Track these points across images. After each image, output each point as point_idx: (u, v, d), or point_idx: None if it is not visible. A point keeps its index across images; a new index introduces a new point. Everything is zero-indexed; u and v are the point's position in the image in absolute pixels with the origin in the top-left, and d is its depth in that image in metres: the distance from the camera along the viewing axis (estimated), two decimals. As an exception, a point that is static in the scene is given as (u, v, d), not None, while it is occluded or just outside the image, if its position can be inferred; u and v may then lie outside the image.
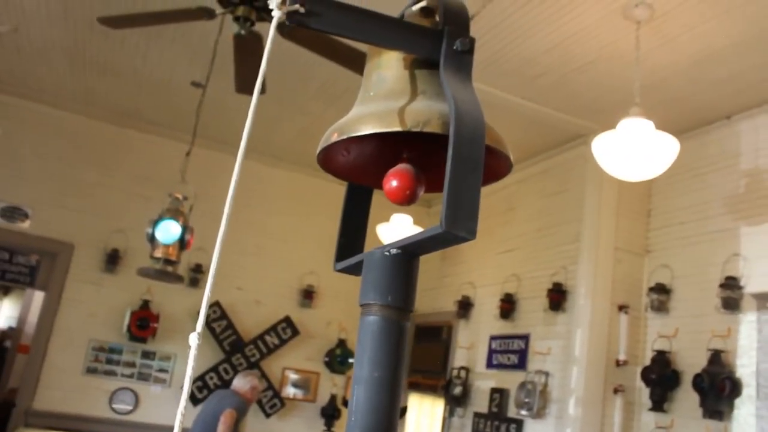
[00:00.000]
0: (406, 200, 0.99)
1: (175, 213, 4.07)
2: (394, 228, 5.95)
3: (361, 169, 1.11)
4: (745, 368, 4.35)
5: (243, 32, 3.18)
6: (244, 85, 3.81)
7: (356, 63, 3.30)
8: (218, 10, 3.30)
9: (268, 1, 0.91)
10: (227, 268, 6.94)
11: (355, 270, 1.08)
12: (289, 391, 7.14)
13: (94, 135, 6.75)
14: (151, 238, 3.97)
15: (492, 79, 4.86)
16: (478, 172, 0.85)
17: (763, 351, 4.30)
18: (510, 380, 5.75)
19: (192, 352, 0.86)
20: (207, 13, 3.37)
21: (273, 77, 5.15)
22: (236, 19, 3.17)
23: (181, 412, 0.88)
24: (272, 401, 6.95)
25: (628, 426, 4.97)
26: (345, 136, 0.96)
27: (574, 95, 5.00)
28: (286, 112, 6.17)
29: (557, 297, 5.38)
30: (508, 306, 6.00)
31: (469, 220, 0.83)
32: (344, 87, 5.35)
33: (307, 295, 7.26)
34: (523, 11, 4.10)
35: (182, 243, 4.03)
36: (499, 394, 5.85)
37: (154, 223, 3.97)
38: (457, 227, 0.82)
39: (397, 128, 0.92)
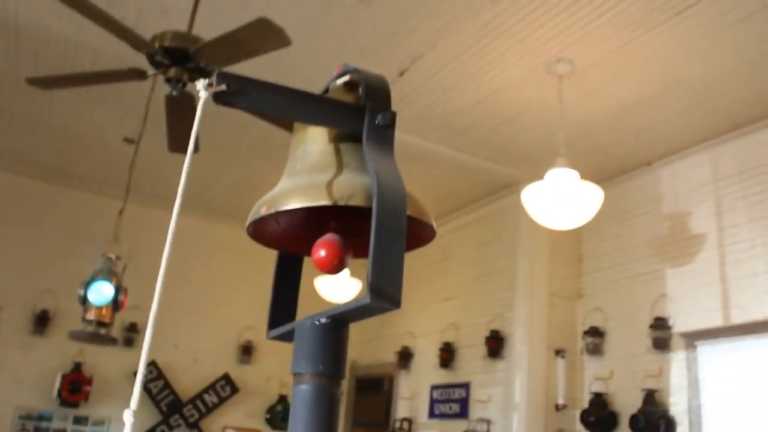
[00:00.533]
0: (333, 269, 1.02)
1: (107, 273, 3.97)
2: (333, 280, 5.93)
3: (291, 238, 1.15)
4: (677, 406, 4.49)
5: (175, 93, 3.19)
6: (177, 145, 3.80)
7: (288, 125, 3.34)
8: (150, 71, 3.31)
9: (196, 83, 0.94)
10: (163, 326, 6.74)
11: (287, 337, 1.10)
12: (230, 451, 6.97)
13: (21, 192, 6.56)
14: (83, 300, 3.86)
15: (423, 131, 4.99)
16: (401, 244, 0.89)
17: (694, 388, 4.44)
18: (452, 429, 5.75)
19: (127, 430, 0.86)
20: (138, 74, 3.37)
21: (207, 132, 5.15)
22: (168, 80, 3.18)
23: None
24: (213, 462, 6.76)
25: (570, 470, 5.03)
26: (273, 210, 0.99)
27: (503, 146, 5.17)
28: (221, 166, 6.16)
29: (495, 344, 5.45)
30: (447, 355, 6.04)
31: (394, 290, 0.86)
32: (279, 141, 5.39)
33: (246, 351, 7.14)
34: (450, 67, 4.25)
35: (116, 304, 3.93)
36: (442, 444, 5.85)
37: (86, 285, 3.87)
38: (382, 298, 0.85)
39: (324, 202, 0.96)
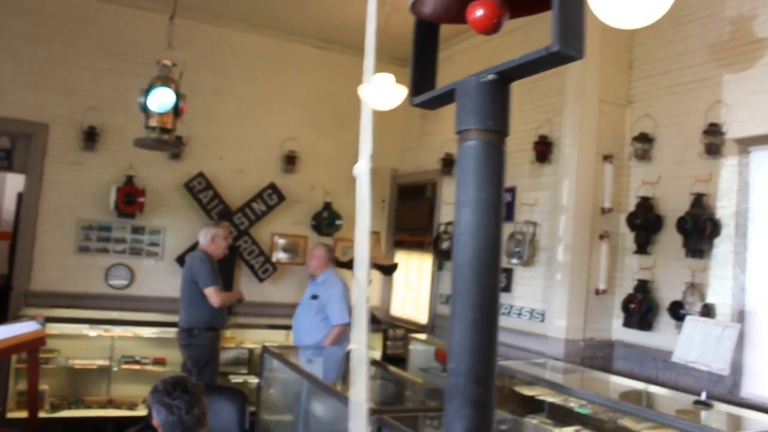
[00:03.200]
0: (490, 28, 1.01)
1: (165, 80, 3.95)
2: (377, 87, 5.83)
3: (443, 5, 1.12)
4: (725, 209, 4.55)
5: None
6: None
7: None
8: None
9: None
10: (207, 139, 6.89)
11: (432, 103, 1.12)
12: (280, 256, 7.31)
13: (53, 7, 6.39)
14: (144, 108, 3.88)
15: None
16: (583, -8, 0.86)
17: (743, 192, 4.49)
18: (498, 232, 5.93)
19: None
20: None
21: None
22: None
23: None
24: (264, 266, 7.12)
25: (614, 269, 5.23)
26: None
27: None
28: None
29: (543, 149, 5.48)
30: (493, 161, 6.08)
31: (578, 40, 0.85)
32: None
33: (290, 160, 7.26)
34: None
35: (176, 111, 3.95)
36: (487, 246, 6.05)
37: (146, 92, 3.86)
38: (568, 47, 0.85)
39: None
